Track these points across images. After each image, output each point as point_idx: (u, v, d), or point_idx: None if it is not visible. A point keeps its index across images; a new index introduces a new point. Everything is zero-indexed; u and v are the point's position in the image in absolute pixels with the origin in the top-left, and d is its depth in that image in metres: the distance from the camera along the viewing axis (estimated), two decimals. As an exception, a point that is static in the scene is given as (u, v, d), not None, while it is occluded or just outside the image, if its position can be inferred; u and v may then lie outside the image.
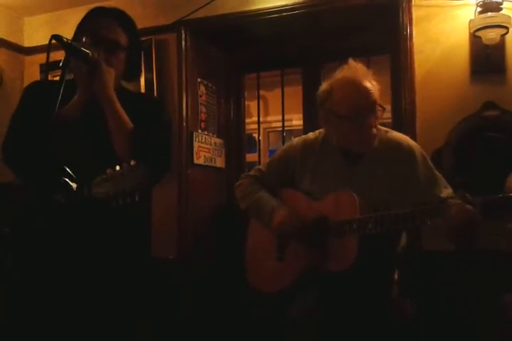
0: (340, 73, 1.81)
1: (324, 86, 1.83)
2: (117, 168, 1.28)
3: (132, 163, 1.27)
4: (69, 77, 1.52)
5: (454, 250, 1.90)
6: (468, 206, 1.49)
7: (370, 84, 1.75)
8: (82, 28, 1.67)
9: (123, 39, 1.65)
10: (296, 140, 2.01)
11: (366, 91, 1.73)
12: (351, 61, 1.81)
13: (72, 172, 1.36)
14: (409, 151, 1.81)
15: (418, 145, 1.86)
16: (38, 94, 1.66)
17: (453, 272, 2.31)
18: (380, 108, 1.76)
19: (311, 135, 1.98)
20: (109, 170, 1.29)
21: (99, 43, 1.58)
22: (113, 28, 1.64)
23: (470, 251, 2.14)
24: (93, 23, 1.65)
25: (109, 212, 1.34)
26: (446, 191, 1.74)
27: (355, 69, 1.79)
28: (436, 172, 1.81)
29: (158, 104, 1.80)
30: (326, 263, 1.74)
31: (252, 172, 2.07)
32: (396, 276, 1.87)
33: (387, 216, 1.64)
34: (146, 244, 1.74)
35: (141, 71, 1.96)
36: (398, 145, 1.82)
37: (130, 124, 1.56)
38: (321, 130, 1.96)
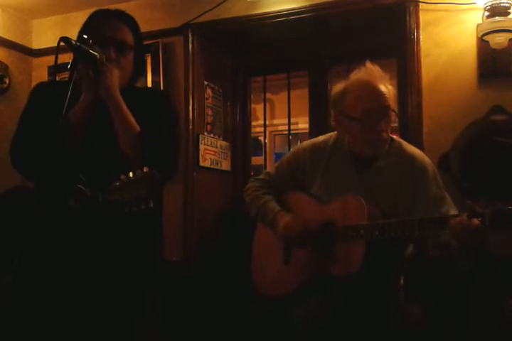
0: (356, 75, 1.79)
1: (338, 87, 1.81)
2: (131, 174, 1.28)
3: (145, 169, 1.27)
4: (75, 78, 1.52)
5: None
6: (473, 220, 1.47)
7: (386, 88, 1.73)
8: (87, 31, 1.66)
9: (129, 38, 1.65)
10: (305, 143, 2.00)
11: (380, 94, 1.71)
12: (368, 63, 1.79)
13: (85, 177, 1.36)
14: (421, 167, 1.78)
15: (431, 163, 1.83)
16: (45, 95, 1.66)
17: (459, 277, 2.30)
18: (393, 113, 1.74)
19: (321, 138, 1.97)
20: (122, 177, 1.29)
21: (108, 44, 1.58)
22: (120, 28, 1.64)
23: (474, 259, 2.13)
24: (100, 24, 1.65)
25: (122, 217, 1.34)
26: (453, 212, 1.70)
27: (371, 71, 1.77)
28: (445, 193, 1.78)
29: (165, 99, 1.79)
30: (332, 268, 1.73)
31: (260, 176, 2.06)
32: (402, 281, 1.86)
33: (394, 223, 1.62)
34: (158, 249, 1.74)
35: (145, 70, 1.97)
36: (411, 159, 1.79)
37: (137, 127, 1.56)
38: (332, 133, 1.94)
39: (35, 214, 1.48)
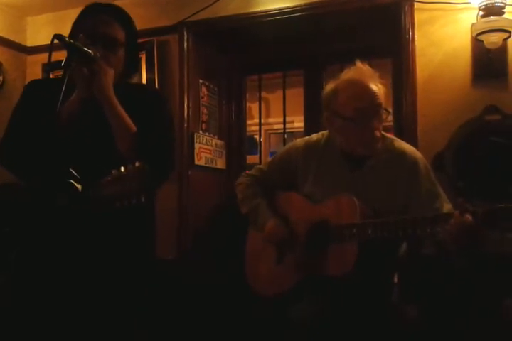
0: (347, 74, 1.79)
1: (330, 86, 1.81)
2: (122, 169, 1.28)
3: (137, 164, 1.27)
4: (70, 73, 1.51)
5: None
6: (467, 216, 1.48)
7: (376, 87, 1.74)
8: (78, 26, 1.64)
9: (121, 35, 1.63)
10: (298, 141, 2.00)
11: (372, 93, 1.72)
12: (358, 63, 1.80)
13: (77, 173, 1.36)
14: (412, 163, 1.78)
15: (423, 158, 1.84)
16: (37, 92, 1.64)
17: (454, 276, 2.31)
18: (384, 111, 1.75)
19: (314, 136, 1.96)
20: (114, 171, 1.29)
21: (97, 41, 1.55)
22: (110, 24, 1.61)
23: (468, 258, 2.14)
24: (90, 19, 1.63)
25: (114, 213, 1.34)
26: (447, 206, 1.71)
27: (361, 70, 1.78)
28: (439, 187, 1.78)
29: (159, 98, 1.77)
30: (326, 268, 1.73)
31: (252, 172, 2.06)
32: (396, 280, 1.87)
33: (387, 222, 1.62)
34: (150, 246, 1.73)
35: (138, 68, 1.94)
36: (402, 156, 1.80)
37: (133, 127, 1.54)
38: (324, 132, 1.95)
39: (28, 209, 1.47)
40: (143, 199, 1.26)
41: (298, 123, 3.96)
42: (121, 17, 1.66)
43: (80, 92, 1.54)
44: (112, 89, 1.55)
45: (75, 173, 1.36)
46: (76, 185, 1.34)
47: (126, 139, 1.53)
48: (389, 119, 2.17)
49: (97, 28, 1.59)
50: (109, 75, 1.55)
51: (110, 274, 1.56)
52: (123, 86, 1.66)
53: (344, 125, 1.76)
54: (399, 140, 1.88)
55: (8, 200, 1.51)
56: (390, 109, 2.84)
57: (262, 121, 3.82)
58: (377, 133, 1.74)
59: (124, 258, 1.59)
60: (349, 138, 1.77)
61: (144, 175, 1.25)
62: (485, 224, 1.46)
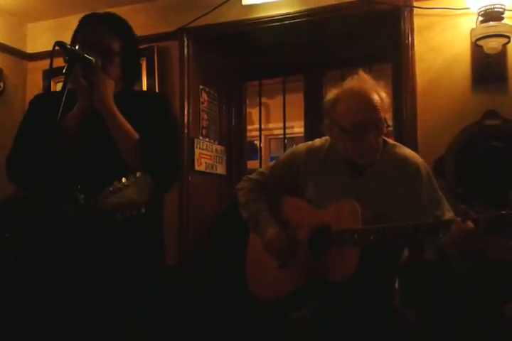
0: (349, 84, 1.76)
1: (331, 94, 1.79)
2: (123, 179, 1.28)
3: (138, 174, 1.27)
4: (70, 86, 1.51)
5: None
6: (468, 223, 1.48)
7: (378, 98, 1.70)
8: (75, 36, 1.65)
9: (115, 44, 1.62)
10: (301, 146, 1.99)
11: (372, 106, 1.69)
12: (361, 71, 1.77)
13: (79, 184, 1.36)
14: (414, 169, 1.76)
15: (425, 163, 1.82)
16: (42, 106, 1.64)
17: (456, 281, 2.30)
18: (385, 124, 1.72)
19: (316, 142, 1.95)
20: (115, 182, 1.29)
21: (90, 50, 1.55)
22: (104, 34, 1.61)
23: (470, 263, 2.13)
24: (85, 30, 1.63)
25: (117, 223, 1.34)
26: (449, 214, 1.70)
27: (364, 80, 1.74)
28: (441, 194, 1.77)
29: (163, 103, 1.75)
30: (327, 273, 1.73)
31: (254, 176, 2.05)
32: (397, 285, 1.86)
33: (389, 228, 1.62)
34: (158, 255, 1.73)
35: (138, 74, 1.93)
36: (404, 162, 1.78)
37: (135, 135, 1.54)
38: (327, 137, 1.93)
39: (35, 216, 1.47)
40: (143, 210, 1.26)
41: (298, 128, 3.97)
42: (117, 25, 1.65)
43: (81, 103, 1.55)
44: (111, 99, 1.54)
45: (77, 184, 1.36)
46: (78, 195, 1.34)
47: (128, 148, 1.52)
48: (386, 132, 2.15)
49: (90, 37, 1.59)
50: (109, 86, 1.55)
51: (110, 278, 1.55)
52: (124, 94, 1.66)
53: (342, 135, 1.74)
54: (401, 145, 1.86)
55: (13, 210, 1.51)
56: (390, 115, 2.86)
57: (262, 126, 3.82)
58: (375, 146, 1.73)
59: (126, 263, 1.58)
60: (347, 148, 1.76)
61: (145, 185, 1.25)
62: (487, 231, 1.46)
